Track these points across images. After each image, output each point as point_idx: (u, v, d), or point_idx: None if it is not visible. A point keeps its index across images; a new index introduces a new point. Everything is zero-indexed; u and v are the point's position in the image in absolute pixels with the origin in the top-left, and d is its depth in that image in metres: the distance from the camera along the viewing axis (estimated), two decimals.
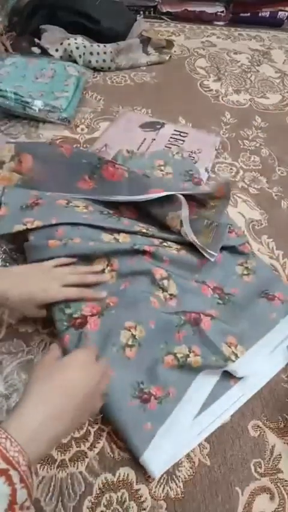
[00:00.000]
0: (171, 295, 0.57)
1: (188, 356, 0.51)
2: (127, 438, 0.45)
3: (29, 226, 0.56)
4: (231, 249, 0.66)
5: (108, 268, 0.57)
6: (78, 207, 0.62)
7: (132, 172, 0.67)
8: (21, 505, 0.29)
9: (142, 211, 0.67)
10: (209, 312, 0.56)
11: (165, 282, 0.57)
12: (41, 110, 0.86)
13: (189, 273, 0.61)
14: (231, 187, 0.80)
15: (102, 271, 0.57)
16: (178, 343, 0.52)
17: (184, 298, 0.57)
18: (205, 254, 0.61)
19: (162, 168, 0.77)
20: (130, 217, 0.65)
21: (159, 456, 0.45)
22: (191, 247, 0.63)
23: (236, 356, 0.51)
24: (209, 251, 0.60)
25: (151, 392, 0.48)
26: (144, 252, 0.59)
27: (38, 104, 0.85)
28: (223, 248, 0.64)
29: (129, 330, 0.51)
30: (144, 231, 0.62)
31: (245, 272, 0.63)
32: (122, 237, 0.59)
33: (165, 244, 0.62)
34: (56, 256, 0.55)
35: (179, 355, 0.51)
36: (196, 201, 0.67)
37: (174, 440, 0.46)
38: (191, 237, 0.62)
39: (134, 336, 0.51)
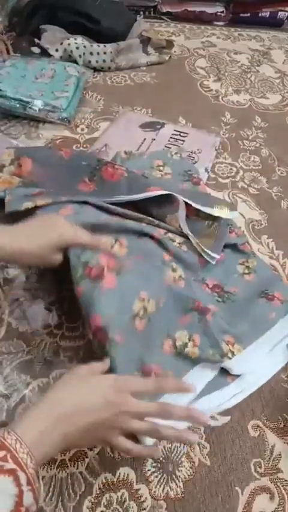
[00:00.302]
0: (180, 277, 0.56)
1: (186, 345, 0.51)
2: None
3: (38, 203, 0.55)
4: (233, 247, 0.66)
5: (117, 244, 0.55)
6: None
7: (131, 172, 0.67)
8: (27, 508, 0.29)
9: (142, 211, 0.67)
10: (210, 306, 0.56)
11: (173, 264, 0.57)
12: (41, 109, 0.86)
13: (189, 271, 0.60)
14: (231, 188, 0.80)
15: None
16: (181, 327, 0.52)
17: (190, 284, 0.57)
18: (206, 257, 0.61)
19: (161, 168, 0.77)
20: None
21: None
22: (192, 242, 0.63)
23: (233, 354, 0.51)
24: (210, 253, 0.60)
25: (152, 369, 0.47)
26: (151, 237, 0.58)
27: (38, 103, 0.85)
28: (225, 246, 0.64)
29: (143, 301, 0.50)
30: (151, 218, 0.62)
31: (246, 271, 0.63)
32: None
33: (169, 235, 0.62)
34: None
35: (178, 343, 0.51)
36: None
37: (161, 423, 0.45)
38: (192, 239, 0.62)
39: (145, 309, 0.50)
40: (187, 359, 0.51)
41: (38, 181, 0.66)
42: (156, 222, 0.63)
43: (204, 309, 0.54)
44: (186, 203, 0.64)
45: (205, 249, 0.61)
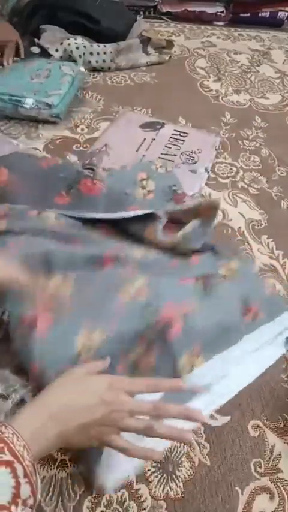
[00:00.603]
0: (142, 286, 0.52)
1: (137, 366, 0.48)
2: (77, 457, 0.43)
3: None
4: (213, 250, 0.63)
5: (62, 281, 0.53)
6: (49, 218, 0.60)
7: (110, 189, 0.66)
8: (25, 500, 0.30)
9: (119, 227, 0.65)
10: (189, 301, 0.52)
11: (131, 277, 0.53)
12: (32, 107, 0.85)
13: (161, 272, 0.57)
14: (232, 188, 0.80)
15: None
16: (139, 345, 0.48)
17: (159, 286, 0.53)
18: (190, 244, 0.58)
19: (144, 183, 0.74)
20: (105, 234, 0.63)
21: (110, 473, 0.42)
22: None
23: (192, 368, 0.48)
24: (189, 231, 0.58)
25: None
26: (105, 261, 0.55)
27: (29, 101, 0.84)
28: (203, 251, 0.61)
29: (87, 334, 0.47)
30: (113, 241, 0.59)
31: (227, 273, 0.59)
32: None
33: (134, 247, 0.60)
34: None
35: (131, 358, 0.48)
36: (176, 222, 0.64)
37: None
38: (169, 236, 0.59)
39: (91, 341, 0.47)
40: (140, 374, 0.48)
41: (14, 191, 0.65)
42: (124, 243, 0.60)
43: (168, 322, 0.49)
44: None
45: (185, 230, 0.58)
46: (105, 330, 0.48)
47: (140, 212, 0.61)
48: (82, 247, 0.56)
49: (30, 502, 0.30)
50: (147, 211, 0.61)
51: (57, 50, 1.05)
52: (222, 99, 1.05)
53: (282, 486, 0.46)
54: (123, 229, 0.64)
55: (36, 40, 1.07)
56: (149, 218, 0.62)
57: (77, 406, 0.36)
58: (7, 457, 0.30)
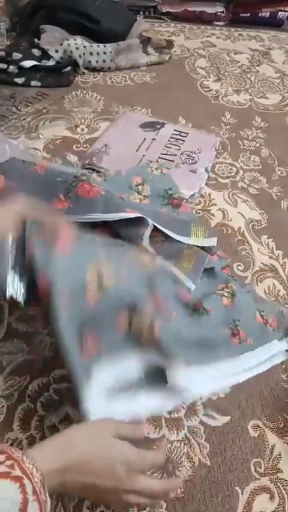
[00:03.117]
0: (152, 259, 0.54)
1: (141, 332, 0.47)
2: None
3: None
4: (211, 273, 0.62)
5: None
6: None
7: (107, 191, 0.66)
8: None
9: (114, 232, 0.64)
10: (175, 312, 0.53)
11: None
12: None
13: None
14: (232, 188, 0.80)
15: None
16: (150, 306, 0.49)
17: (164, 278, 0.54)
18: (185, 282, 0.58)
19: (139, 188, 0.74)
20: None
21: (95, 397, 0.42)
22: None
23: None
24: (185, 283, 0.58)
25: (88, 347, 0.45)
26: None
27: None
28: (203, 271, 0.61)
29: (98, 264, 0.48)
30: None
31: (226, 294, 0.60)
32: None
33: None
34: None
35: (135, 321, 0.47)
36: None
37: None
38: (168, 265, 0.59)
39: (100, 277, 0.47)
40: (136, 344, 0.48)
41: (11, 199, 0.64)
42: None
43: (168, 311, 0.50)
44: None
45: (181, 277, 0.58)
46: (116, 268, 0.48)
47: (136, 214, 0.61)
48: None
49: None
50: (143, 216, 0.61)
51: (57, 51, 1.05)
52: (222, 99, 1.05)
53: (282, 486, 0.46)
54: (116, 232, 0.64)
55: (36, 41, 1.07)
56: (140, 225, 0.61)
57: (89, 467, 0.36)
58: (17, 472, 0.30)
